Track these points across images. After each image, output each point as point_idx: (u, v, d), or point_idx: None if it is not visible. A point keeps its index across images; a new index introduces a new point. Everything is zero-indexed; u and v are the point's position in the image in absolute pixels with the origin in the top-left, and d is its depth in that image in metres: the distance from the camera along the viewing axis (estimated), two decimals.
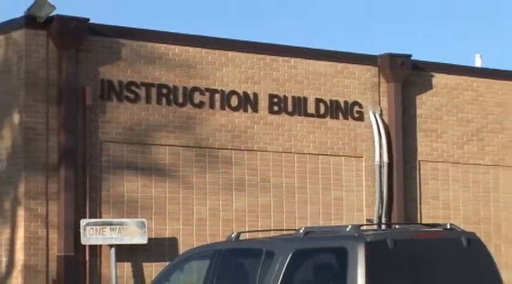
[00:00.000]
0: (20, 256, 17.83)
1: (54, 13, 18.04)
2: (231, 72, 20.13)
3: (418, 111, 22.18)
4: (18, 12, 18.31)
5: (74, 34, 18.34)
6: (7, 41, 18.50)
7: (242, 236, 15.57)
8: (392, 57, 21.71)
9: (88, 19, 18.55)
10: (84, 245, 18.10)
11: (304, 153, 20.70)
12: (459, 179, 22.54)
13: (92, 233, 17.97)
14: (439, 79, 22.53)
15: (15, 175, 18.14)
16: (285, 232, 15.74)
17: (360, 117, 21.40)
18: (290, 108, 20.65)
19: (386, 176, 21.27)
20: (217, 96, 19.89)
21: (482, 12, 75.15)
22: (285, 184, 20.42)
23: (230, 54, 20.18)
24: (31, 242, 17.85)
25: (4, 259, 18.18)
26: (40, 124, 18.07)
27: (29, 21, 18.01)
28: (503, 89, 23.45)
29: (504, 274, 14.39)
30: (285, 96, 20.63)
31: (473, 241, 13.85)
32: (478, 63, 26.13)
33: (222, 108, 19.94)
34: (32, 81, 18.08)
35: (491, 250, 14.64)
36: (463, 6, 73.88)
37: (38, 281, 17.80)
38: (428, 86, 22.36)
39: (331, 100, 21.08)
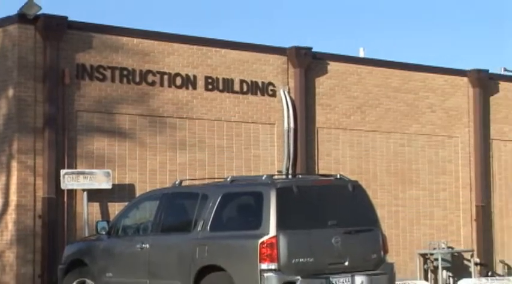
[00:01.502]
0: (13, 198, 17.83)
1: (40, 12, 17.92)
2: (176, 59, 20.08)
3: (317, 90, 22.18)
4: (13, 11, 18.26)
5: (56, 28, 18.25)
6: (4, 33, 18.39)
7: (184, 183, 15.79)
8: (297, 49, 21.69)
9: (67, 17, 18.46)
10: (63, 190, 18.06)
11: (231, 121, 20.71)
12: (346, 141, 22.62)
13: (69, 181, 17.97)
14: (332, 66, 22.52)
15: (10, 136, 18.08)
16: (216, 180, 15.78)
17: (273, 94, 21.37)
18: (221, 87, 20.62)
19: (293, 138, 21.33)
20: (165, 77, 19.84)
21: (366, 12, 75.98)
22: (216, 144, 20.43)
23: (175, 45, 20.14)
24: (22, 187, 17.86)
25: (1, 200, 18.15)
26: (29, 97, 17.99)
27: (21, 18, 17.92)
28: (381, 74, 23.53)
29: (379, 212, 15.10)
30: (217, 77, 20.59)
31: (356, 187, 14.48)
32: (361, 53, 26.27)
33: (169, 86, 19.90)
34: (23, 64, 17.98)
35: (370, 194, 14.95)
36: (351, 7, 74.59)
37: (27, 217, 17.80)
38: (324, 71, 22.38)
39: (251, 81, 21.08)
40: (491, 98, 25.37)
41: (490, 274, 24.13)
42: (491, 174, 25.18)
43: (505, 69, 28.37)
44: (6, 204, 17.96)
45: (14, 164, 17.87)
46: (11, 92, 18.07)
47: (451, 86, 24.71)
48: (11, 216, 17.81)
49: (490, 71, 25.61)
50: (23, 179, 17.84)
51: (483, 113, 24.96)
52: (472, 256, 23.90)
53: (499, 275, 24.34)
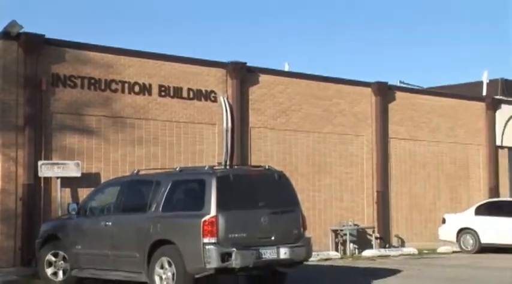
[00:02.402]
0: None
1: (22, 30, 17.74)
2: (135, 70, 19.95)
3: (250, 97, 22.12)
4: None
5: (34, 44, 18.10)
6: None
7: (141, 172, 15.62)
8: (234, 63, 21.62)
9: (44, 35, 18.34)
10: (40, 177, 17.92)
11: (180, 122, 20.58)
12: (274, 139, 22.57)
13: (45, 170, 17.85)
14: (262, 77, 22.44)
15: None
16: (167, 170, 15.60)
17: (215, 100, 21.25)
18: (172, 94, 20.49)
19: (230, 136, 21.25)
20: (126, 85, 19.69)
21: (291, 34, 76.47)
22: (167, 140, 20.30)
23: (134, 59, 20.03)
24: (6, 175, 17.72)
25: None
26: (12, 101, 17.82)
27: (5, 35, 17.79)
28: (302, 84, 23.49)
29: (299, 196, 15.00)
30: (168, 86, 20.46)
31: (281, 176, 14.49)
32: (286, 67, 26.32)
33: (129, 92, 19.75)
34: (8, 73, 17.80)
35: (292, 181, 14.98)
36: (279, 31, 75.03)
37: (10, 200, 17.69)
38: (256, 82, 22.37)
39: (197, 89, 20.96)
40: (390, 105, 25.47)
41: (387, 246, 24.22)
42: (389, 166, 25.27)
43: (400, 82, 28.73)
44: None
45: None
46: None
47: (358, 95, 24.76)
48: None
49: (388, 83, 25.74)
50: (6, 168, 17.68)
51: (383, 117, 25.06)
52: (373, 231, 24.15)
53: (394, 246, 24.46)
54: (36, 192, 17.89)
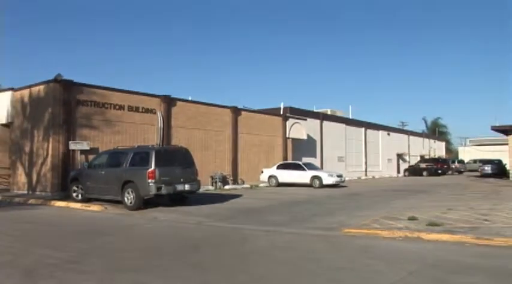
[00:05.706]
0: (50, 152, 17.86)
1: (63, 78, 17.79)
2: (117, 98, 19.86)
3: (172, 112, 21.98)
4: (51, 76, 18.15)
5: (69, 85, 18.11)
6: (47, 86, 18.18)
7: (118, 148, 15.88)
8: (165, 95, 21.59)
9: (72, 80, 18.17)
10: (70, 149, 17.95)
11: (138, 124, 20.56)
12: (184, 133, 22.47)
13: (72, 145, 17.85)
14: (178, 102, 22.47)
15: (49, 128, 17.92)
16: (131, 147, 15.68)
17: (155, 113, 21.02)
18: (134, 110, 20.43)
19: (162, 131, 21.23)
20: (112, 105, 19.61)
21: (197, 73, 75.84)
22: (132, 132, 20.21)
23: (117, 92, 19.86)
24: (54, 148, 17.84)
25: (45, 153, 17.98)
26: (57, 112, 17.84)
27: (55, 80, 17.82)
28: (196, 106, 23.59)
29: (195, 160, 15.20)
30: (133, 106, 20.38)
31: (187, 150, 14.68)
32: (190, 97, 26.19)
33: (113, 109, 19.67)
34: (55, 99, 17.89)
35: (192, 153, 15.31)
36: (189, 72, 74.42)
37: (56, 160, 17.77)
38: (175, 104, 22.39)
39: (146, 108, 20.86)
40: (239, 118, 26.09)
41: (236, 183, 24.92)
42: (238, 146, 25.88)
43: (243, 106, 29.42)
44: (47, 154, 17.96)
45: (51, 139, 17.88)
46: (49, 110, 18.00)
47: (223, 112, 25.21)
48: (49, 159, 17.88)
49: (238, 106, 26.14)
50: (54, 145, 17.83)
51: (235, 124, 25.78)
52: (230, 176, 24.85)
53: (239, 184, 25.13)
54: (68, 156, 17.86)
